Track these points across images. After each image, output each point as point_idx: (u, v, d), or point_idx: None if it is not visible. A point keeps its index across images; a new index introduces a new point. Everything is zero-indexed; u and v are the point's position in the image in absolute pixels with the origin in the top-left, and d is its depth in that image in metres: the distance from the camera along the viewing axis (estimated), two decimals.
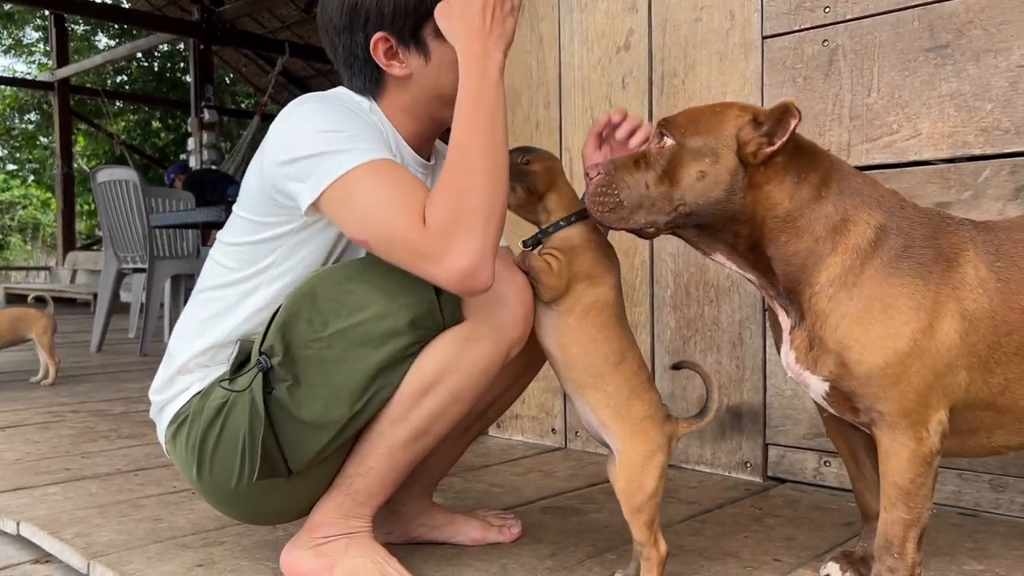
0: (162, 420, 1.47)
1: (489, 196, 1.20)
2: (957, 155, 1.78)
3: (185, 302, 5.59)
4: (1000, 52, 1.71)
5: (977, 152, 1.75)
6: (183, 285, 5.52)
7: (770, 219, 1.20)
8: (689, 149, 1.19)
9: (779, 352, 1.31)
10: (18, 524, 1.71)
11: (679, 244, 2.10)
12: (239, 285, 1.40)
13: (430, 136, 1.46)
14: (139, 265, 5.07)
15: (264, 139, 1.34)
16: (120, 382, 3.82)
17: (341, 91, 1.40)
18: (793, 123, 1.14)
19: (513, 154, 1.34)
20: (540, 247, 1.35)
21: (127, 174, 5.00)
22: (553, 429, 2.49)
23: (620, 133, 1.44)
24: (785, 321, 1.26)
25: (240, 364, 1.36)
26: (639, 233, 1.25)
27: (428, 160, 1.48)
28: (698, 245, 1.28)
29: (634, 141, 1.43)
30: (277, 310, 1.33)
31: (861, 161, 1.90)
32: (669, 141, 1.21)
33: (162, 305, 5.46)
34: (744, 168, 1.18)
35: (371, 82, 1.39)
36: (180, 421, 1.41)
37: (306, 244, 1.36)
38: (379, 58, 1.35)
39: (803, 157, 1.21)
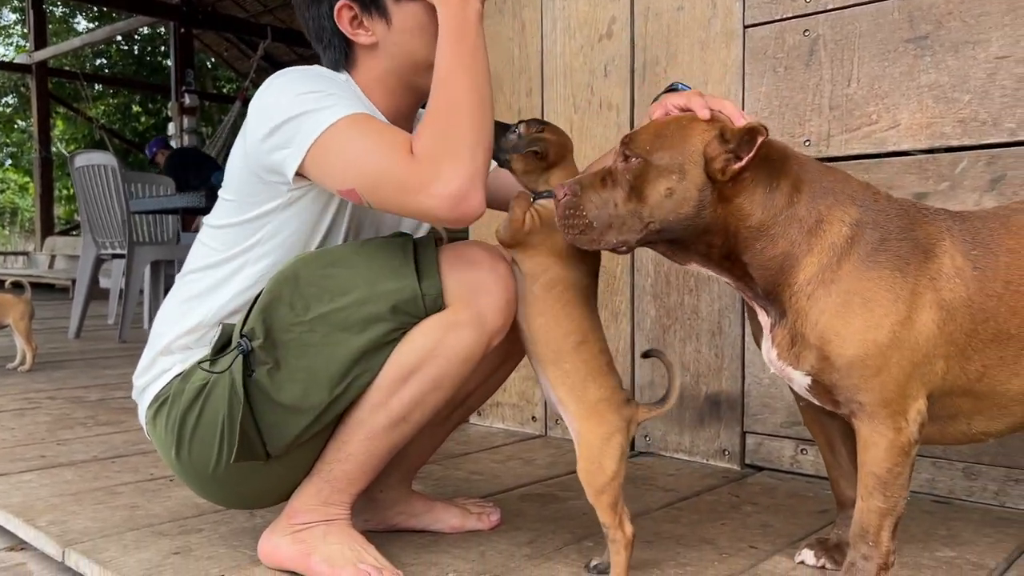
0: (143, 401, 1.46)
1: (476, 124, 1.22)
2: (935, 146, 1.79)
3: (165, 288, 5.59)
4: (979, 44, 1.72)
5: (955, 143, 1.77)
6: (163, 271, 5.48)
7: (743, 230, 1.20)
8: (655, 166, 1.18)
9: (759, 347, 1.32)
10: None
11: None
12: (224, 265, 1.39)
13: (409, 111, 1.46)
14: (118, 251, 5.02)
15: (245, 120, 1.34)
16: (98, 369, 3.79)
17: (317, 67, 1.40)
18: (760, 140, 1.13)
19: (530, 123, 1.37)
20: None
21: (105, 159, 4.95)
22: (533, 417, 2.50)
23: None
24: (765, 319, 1.26)
25: (221, 347, 1.36)
26: (612, 250, 1.24)
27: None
28: (672, 257, 1.27)
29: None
30: (259, 293, 1.33)
31: (840, 151, 1.91)
32: (634, 158, 1.20)
33: (142, 291, 5.41)
34: (712, 183, 1.17)
35: (342, 55, 1.40)
36: (160, 402, 1.41)
37: (292, 221, 1.36)
38: (344, 27, 1.36)
39: (772, 166, 1.20)
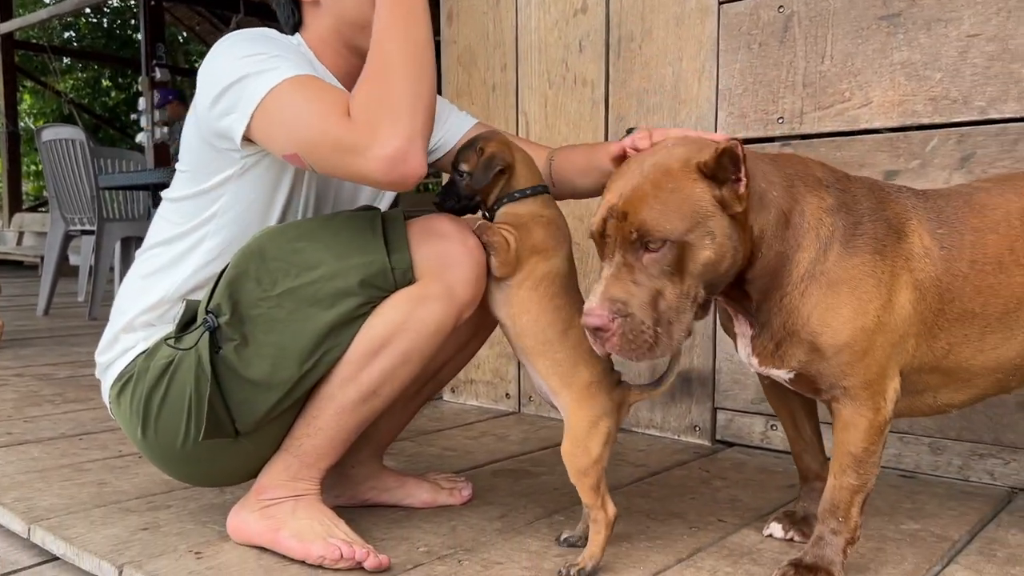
0: (106, 379, 1.44)
1: (413, 80, 1.19)
2: (906, 124, 1.80)
3: None
4: (951, 22, 1.73)
5: (926, 121, 1.78)
6: (134, 248, 5.40)
7: (752, 245, 1.15)
8: (687, 243, 1.09)
9: (728, 334, 1.32)
10: None
11: None
12: (184, 239, 1.38)
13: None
14: (87, 227, 4.94)
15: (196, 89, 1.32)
16: (67, 346, 3.74)
17: (264, 28, 1.38)
18: (741, 151, 1.08)
19: (465, 153, 1.35)
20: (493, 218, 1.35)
21: (74, 132, 4.85)
22: (507, 394, 2.50)
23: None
24: (746, 330, 1.23)
25: (186, 323, 1.34)
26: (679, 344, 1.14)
27: None
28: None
29: None
30: (224, 268, 1.31)
31: (813, 129, 1.91)
32: (657, 244, 1.09)
33: (112, 269, 5.34)
34: (732, 220, 1.12)
35: (292, 16, 1.41)
36: (125, 380, 1.39)
37: (248, 191, 1.34)
38: None
39: (749, 172, 1.14)
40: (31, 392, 2.71)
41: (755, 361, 1.22)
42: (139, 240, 5.36)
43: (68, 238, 5.14)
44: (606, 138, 2.22)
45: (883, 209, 1.20)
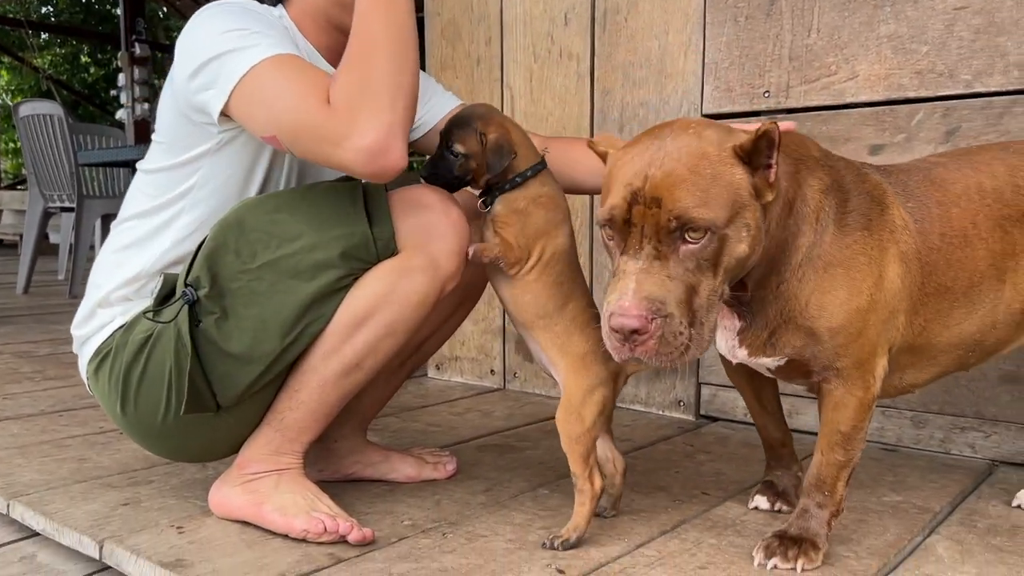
0: (84, 355, 1.42)
1: (395, 69, 1.15)
2: (892, 97, 1.79)
3: None
4: None
5: (911, 95, 1.77)
6: None
7: (768, 234, 1.09)
8: (727, 236, 1.01)
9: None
10: None
11: None
12: (160, 212, 1.35)
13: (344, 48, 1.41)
14: (67, 204, 4.88)
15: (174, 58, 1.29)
16: (47, 324, 3.70)
17: (249, 1, 1.33)
18: (777, 136, 1.01)
19: (464, 132, 1.31)
20: (491, 208, 1.32)
21: (51, 108, 4.78)
22: (492, 370, 2.50)
23: None
24: (733, 322, 1.18)
25: (165, 297, 1.32)
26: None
27: None
28: None
29: None
30: (203, 241, 1.29)
31: (799, 103, 1.90)
32: (697, 235, 1.00)
33: (93, 247, 5.28)
34: (763, 209, 1.06)
35: None
36: (102, 355, 1.37)
37: (225, 166, 1.32)
38: None
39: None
40: (11, 369, 2.68)
41: (743, 353, 1.18)
42: None
43: (47, 215, 5.07)
44: (591, 111, 2.20)
45: (863, 182, 1.18)
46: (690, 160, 1.01)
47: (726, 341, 1.20)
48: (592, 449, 1.26)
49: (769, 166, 1.03)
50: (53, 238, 7.31)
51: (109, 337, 1.37)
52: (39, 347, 3.12)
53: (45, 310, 4.19)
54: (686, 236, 1.00)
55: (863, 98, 1.82)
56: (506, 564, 1.20)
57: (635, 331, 0.98)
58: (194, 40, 1.25)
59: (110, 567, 1.27)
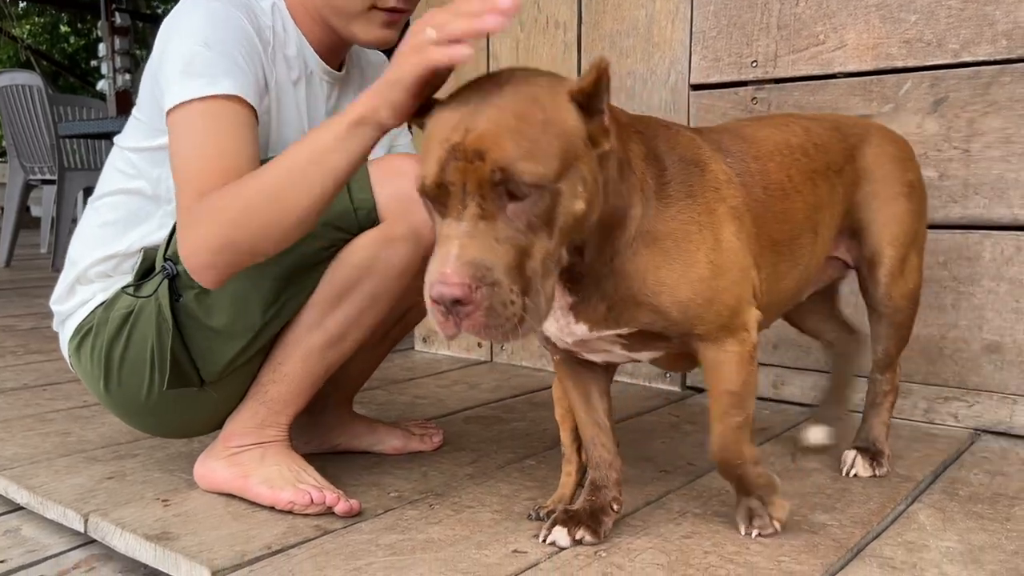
0: (64, 332, 1.41)
1: (243, 223, 1.09)
2: (880, 67, 1.78)
3: None
4: None
5: (899, 64, 1.76)
6: None
7: (606, 191, 0.99)
8: (559, 191, 0.89)
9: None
10: None
11: None
12: (141, 195, 1.34)
13: (335, 47, 1.40)
14: (48, 177, 4.82)
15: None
16: (30, 297, 3.67)
17: None
18: (607, 72, 0.90)
19: None
20: None
21: (30, 78, 4.70)
22: (479, 343, 2.49)
23: None
24: (566, 300, 1.05)
25: (144, 272, 1.31)
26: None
27: (339, 70, 1.43)
28: None
29: None
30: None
31: (787, 73, 1.89)
32: (522, 194, 0.87)
33: (75, 220, 5.22)
34: (599, 161, 0.94)
35: None
36: (84, 333, 1.36)
37: None
38: None
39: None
40: None
41: (582, 328, 1.07)
42: None
43: (28, 188, 5.01)
44: None
45: (675, 147, 1.10)
46: (517, 106, 0.88)
47: (556, 321, 1.07)
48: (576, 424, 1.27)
49: (602, 111, 0.91)
50: (34, 211, 7.22)
51: (90, 314, 1.35)
52: (22, 321, 3.10)
53: (28, 283, 4.15)
54: (513, 192, 0.86)
55: (851, 68, 1.81)
56: (493, 535, 1.20)
57: (458, 301, 0.84)
58: (172, 34, 1.24)
59: (95, 540, 1.26)
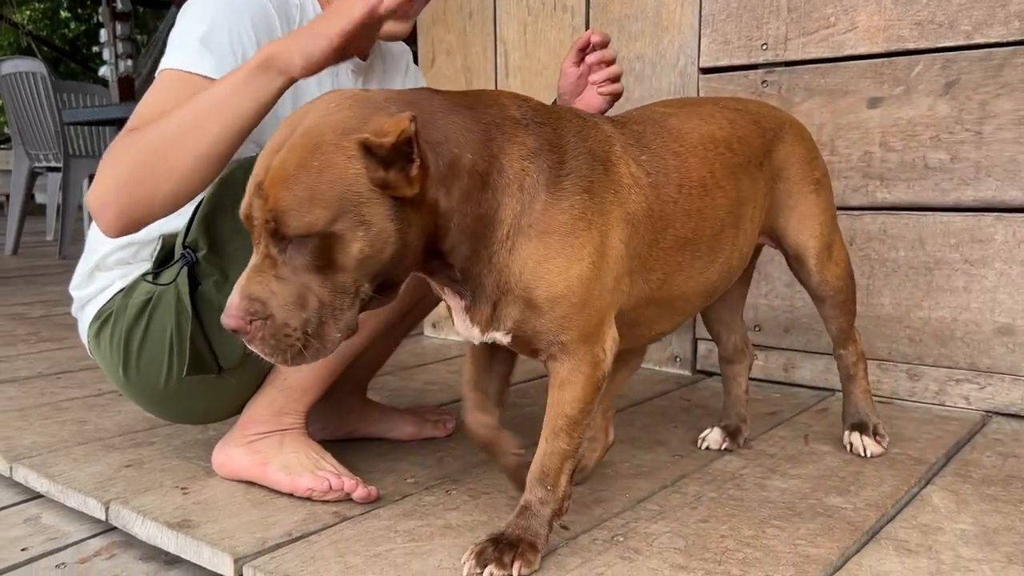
0: (84, 318, 1.41)
1: (148, 160, 1.12)
2: (892, 49, 1.77)
3: None
4: None
5: (911, 46, 1.75)
6: None
7: (441, 220, 0.99)
8: (333, 234, 0.91)
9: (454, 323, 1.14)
10: None
11: None
12: None
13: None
14: (53, 164, 4.82)
15: None
16: (39, 285, 3.68)
17: None
18: (414, 131, 0.91)
19: None
20: None
21: (34, 65, 4.70)
22: None
23: (591, 58, 1.43)
24: (458, 303, 1.08)
25: (163, 259, 1.31)
26: (342, 340, 0.99)
27: (364, 58, 1.44)
28: (389, 295, 1.04)
29: (595, 77, 1.43)
30: (200, 202, 1.27)
31: (798, 56, 1.88)
32: (295, 238, 0.92)
33: (80, 207, 5.23)
34: (401, 202, 0.94)
35: None
36: (103, 319, 1.36)
37: None
38: None
39: (430, 136, 0.97)
40: (4, 332, 2.67)
41: (476, 332, 1.08)
42: None
43: (34, 175, 5.01)
44: None
45: (585, 140, 1.08)
46: (303, 151, 0.91)
47: (461, 322, 1.10)
48: (609, 406, 1.36)
49: (411, 160, 0.92)
50: (39, 198, 7.23)
51: (109, 301, 1.36)
52: (32, 309, 3.11)
53: (36, 271, 4.16)
54: (285, 237, 0.91)
55: (862, 50, 1.81)
56: None
57: (235, 331, 0.94)
58: (192, 3, 1.27)
59: (115, 528, 1.28)
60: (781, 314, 1.98)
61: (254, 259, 0.94)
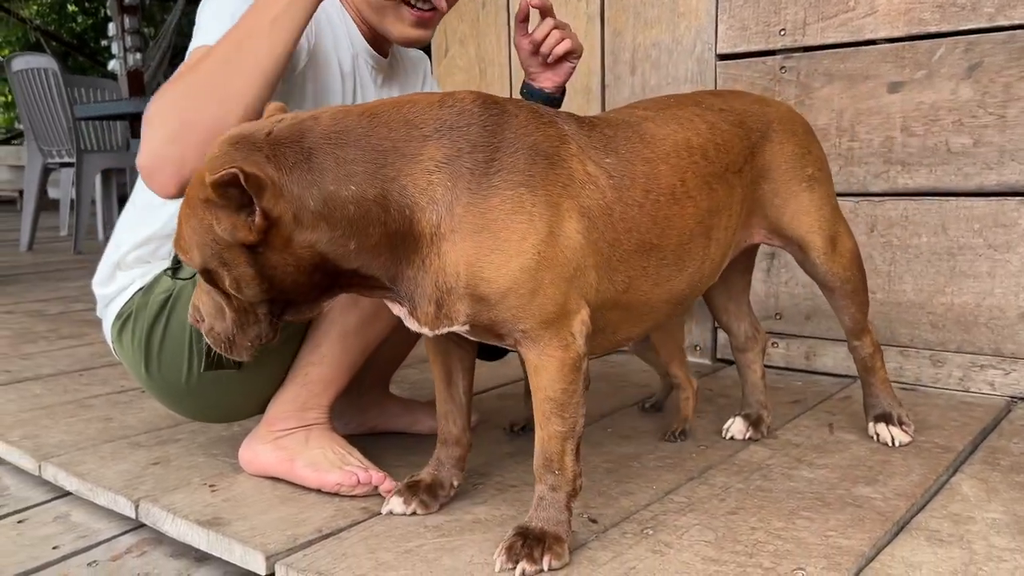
0: (107, 318, 1.42)
1: (210, 106, 1.10)
2: (913, 33, 1.75)
3: (118, 197, 5.38)
4: None
5: (932, 29, 1.73)
6: (114, 180, 5.30)
7: (323, 251, 1.01)
8: (209, 271, 1.02)
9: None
10: None
11: None
12: None
13: (380, 40, 1.43)
14: (66, 159, 4.84)
15: None
16: (55, 281, 3.70)
17: None
18: (243, 181, 0.93)
19: None
20: None
21: (45, 62, 4.70)
22: None
23: (538, 32, 1.44)
24: (400, 309, 1.10)
25: None
26: (265, 344, 1.10)
27: (384, 56, 1.45)
28: (307, 312, 1.12)
29: (545, 43, 1.44)
30: None
31: (816, 40, 1.86)
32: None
33: (94, 201, 5.25)
34: (257, 248, 0.99)
35: None
36: (125, 318, 1.37)
37: None
38: None
39: (290, 179, 0.98)
40: (24, 329, 2.69)
41: (426, 330, 1.09)
42: (119, 172, 5.26)
43: (47, 171, 5.03)
44: (602, 54, 2.16)
45: (527, 136, 1.07)
46: (188, 192, 1.02)
47: (409, 324, 1.12)
48: (684, 359, 1.58)
49: (253, 209, 0.95)
50: (52, 193, 7.25)
51: (129, 300, 1.37)
52: (49, 305, 3.13)
53: (51, 267, 4.18)
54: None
55: (882, 34, 1.79)
56: None
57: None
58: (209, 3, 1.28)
59: (145, 525, 1.28)
60: (802, 302, 1.97)
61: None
